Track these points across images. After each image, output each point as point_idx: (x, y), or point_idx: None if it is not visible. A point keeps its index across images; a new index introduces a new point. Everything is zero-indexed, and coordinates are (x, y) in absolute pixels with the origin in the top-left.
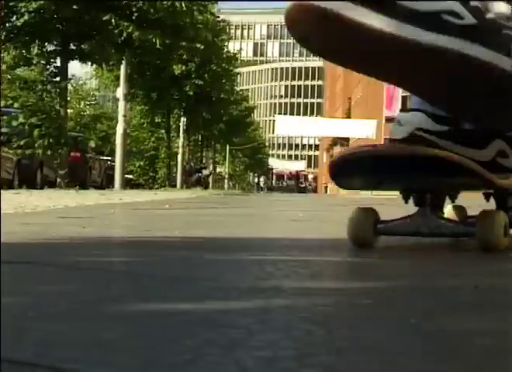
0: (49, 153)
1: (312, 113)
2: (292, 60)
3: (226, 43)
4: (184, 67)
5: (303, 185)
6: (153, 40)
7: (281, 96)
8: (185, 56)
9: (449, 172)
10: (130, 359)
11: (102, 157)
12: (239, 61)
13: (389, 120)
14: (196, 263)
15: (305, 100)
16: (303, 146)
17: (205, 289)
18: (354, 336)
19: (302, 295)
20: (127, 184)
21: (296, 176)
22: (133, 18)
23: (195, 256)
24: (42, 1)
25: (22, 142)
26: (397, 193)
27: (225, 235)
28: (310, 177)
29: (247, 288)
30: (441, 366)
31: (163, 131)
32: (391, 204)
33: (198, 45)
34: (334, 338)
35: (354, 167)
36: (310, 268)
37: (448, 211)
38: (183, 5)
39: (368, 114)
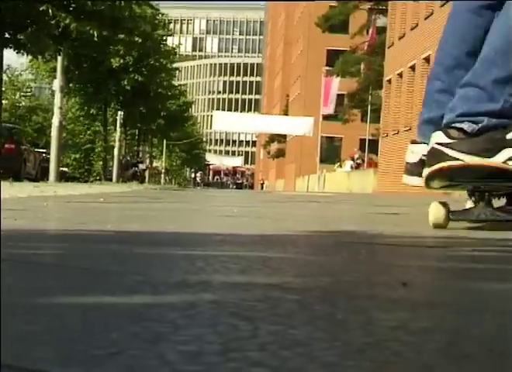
0: None
1: (250, 109)
2: (231, 56)
3: (164, 38)
4: (122, 61)
5: (240, 181)
6: (91, 32)
7: (220, 92)
8: (122, 52)
9: (504, 179)
10: (53, 353)
11: (36, 149)
12: (177, 56)
13: (326, 117)
14: (127, 256)
15: (243, 96)
16: (240, 142)
17: (133, 283)
18: (281, 331)
19: (231, 290)
20: (62, 177)
21: (234, 172)
22: (70, 9)
23: (126, 249)
24: None
25: None
26: (330, 192)
27: (158, 229)
28: (247, 173)
29: (175, 283)
30: (366, 362)
31: (99, 124)
32: (324, 201)
33: (137, 38)
34: (261, 333)
35: (441, 174)
36: (241, 263)
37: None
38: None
39: (305, 111)
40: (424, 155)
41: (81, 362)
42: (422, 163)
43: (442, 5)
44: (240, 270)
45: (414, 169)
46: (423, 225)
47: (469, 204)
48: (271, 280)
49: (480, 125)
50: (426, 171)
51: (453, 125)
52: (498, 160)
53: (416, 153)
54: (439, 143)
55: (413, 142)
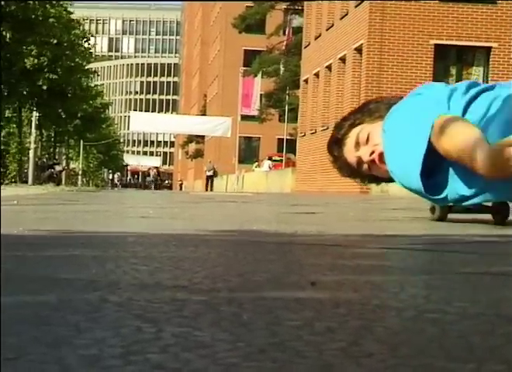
0: None
1: (167, 110)
2: (148, 56)
3: (80, 39)
4: (36, 61)
5: (158, 182)
6: (4, 33)
7: (137, 92)
8: (34, 52)
9: None
10: None
11: None
12: (93, 56)
13: (245, 117)
14: (35, 259)
15: (160, 96)
16: (158, 143)
17: (40, 286)
18: (185, 333)
19: (138, 292)
20: None
21: (156, 172)
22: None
23: (34, 252)
24: None
25: None
26: (248, 192)
27: (71, 231)
28: (157, 171)
29: (82, 285)
30: (268, 363)
31: (14, 126)
32: (241, 201)
33: (51, 39)
34: (164, 335)
35: None
36: (151, 265)
37: None
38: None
39: (223, 111)
40: None
41: None
42: None
43: (357, 6)
44: (149, 272)
45: None
46: (338, 223)
47: None
48: (180, 281)
49: None
50: None
51: None
52: None
53: None
54: None
55: None
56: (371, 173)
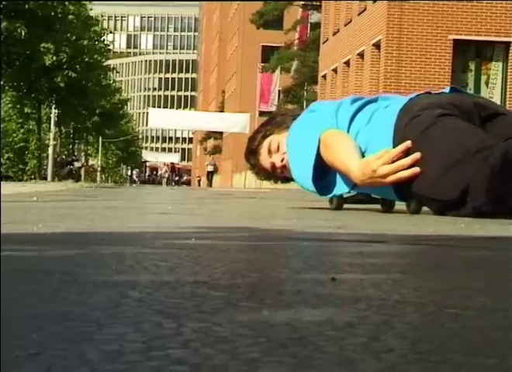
0: None
1: (186, 106)
2: (166, 53)
3: (99, 35)
4: (55, 58)
5: (177, 178)
6: (19, 31)
7: (155, 89)
8: (53, 50)
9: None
10: None
11: None
12: (112, 53)
13: (263, 113)
14: (55, 256)
15: (178, 93)
16: (177, 139)
17: (60, 283)
18: (206, 328)
19: (157, 288)
20: None
21: (172, 169)
22: (1, 7)
23: (55, 249)
24: None
25: None
26: (267, 188)
27: (90, 228)
28: (169, 167)
29: (102, 282)
30: (289, 358)
31: (33, 122)
32: (260, 197)
33: (70, 36)
34: (185, 330)
35: None
36: (171, 261)
37: None
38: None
39: (241, 107)
40: None
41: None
42: None
43: (375, 1)
44: (169, 268)
45: None
46: (357, 219)
47: None
48: (200, 277)
49: None
50: None
51: None
52: None
53: None
54: None
55: None
56: (284, 175)
